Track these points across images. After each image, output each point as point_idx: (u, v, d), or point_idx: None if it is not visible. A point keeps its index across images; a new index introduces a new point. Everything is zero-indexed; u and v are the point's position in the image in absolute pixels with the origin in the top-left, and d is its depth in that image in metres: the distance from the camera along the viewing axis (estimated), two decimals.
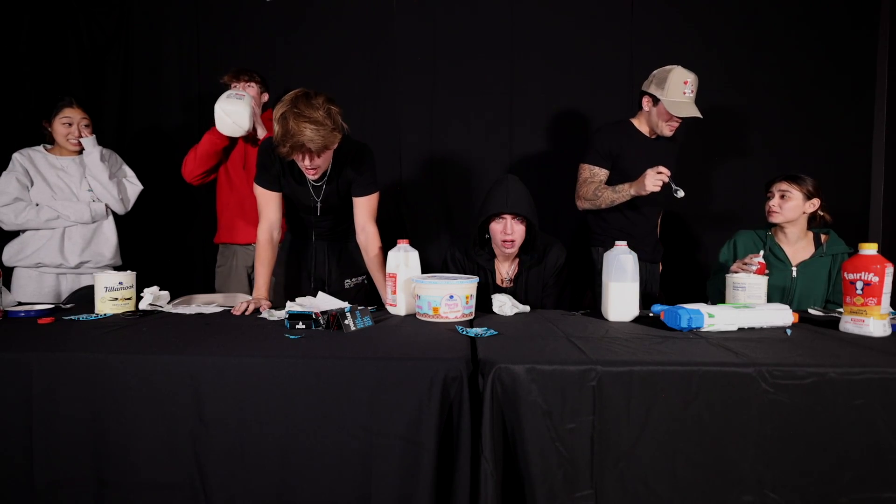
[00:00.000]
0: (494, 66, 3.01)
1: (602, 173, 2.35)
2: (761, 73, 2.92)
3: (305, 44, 3.04)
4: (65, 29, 3.01)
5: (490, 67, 3.01)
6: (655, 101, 2.33)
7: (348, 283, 2.26)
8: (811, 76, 2.91)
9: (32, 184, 2.35)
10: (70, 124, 2.37)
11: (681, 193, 2.13)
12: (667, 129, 2.35)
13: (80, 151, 2.43)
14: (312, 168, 1.85)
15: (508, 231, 2.01)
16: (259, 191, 2.01)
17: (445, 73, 3.03)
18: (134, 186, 2.53)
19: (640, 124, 2.42)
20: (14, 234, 2.40)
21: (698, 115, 2.29)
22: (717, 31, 2.92)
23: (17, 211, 2.31)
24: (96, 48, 3.06)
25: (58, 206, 2.35)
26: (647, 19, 2.94)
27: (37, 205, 2.34)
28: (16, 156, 2.37)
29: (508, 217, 2.00)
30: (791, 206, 2.13)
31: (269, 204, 2.01)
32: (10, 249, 2.38)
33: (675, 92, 2.28)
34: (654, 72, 2.36)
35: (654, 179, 2.11)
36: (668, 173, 2.12)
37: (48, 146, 2.44)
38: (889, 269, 1.46)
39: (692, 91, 2.31)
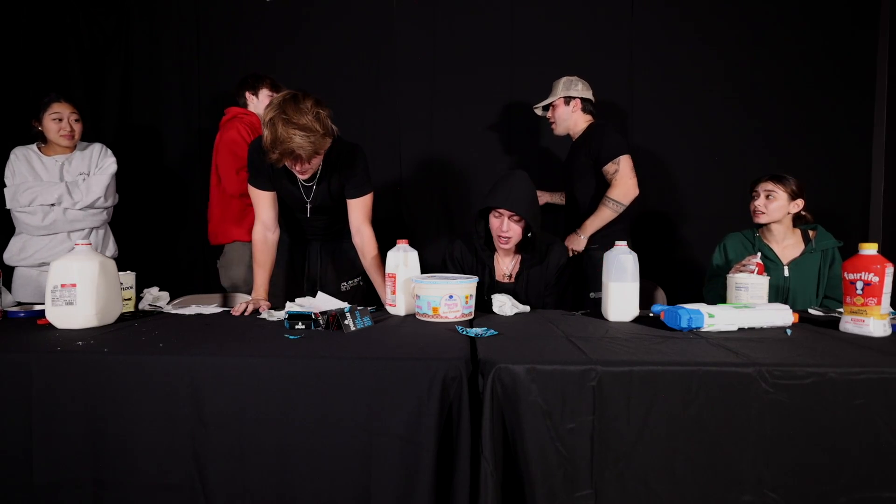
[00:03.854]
0: (494, 66, 3.01)
1: None
2: (761, 73, 2.92)
3: (306, 44, 3.04)
4: (65, 29, 3.01)
5: (490, 68, 3.01)
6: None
7: (345, 285, 2.24)
8: (811, 76, 2.91)
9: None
10: (60, 119, 2.33)
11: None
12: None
13: (72, 147, 2.39)
14: (302, 171, 1.84)
15: (505, 228, 2.01)
16: (252, 191, 1.99)
17: (446, 74, 3.02)
18: (99, 177, 2.38)
19: None
20: (12, 232, 2.37)
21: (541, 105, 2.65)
22: (717, 31, 2.92)
23: (44, 213, 2.28)
24: (96, 48, 3.06)
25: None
26: (647, 20, 2.94)
27: (65, 208, 2.32)
28: (15, 153, 2.34)
29: (506, 215, 2.00)
30: (776, 207, 2.13)
31: (262, 204, 1.99)
32: (13, 248, 2.36)
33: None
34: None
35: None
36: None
37: (42, 144, 2.40)
38: (889, 269, 1.45)
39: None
